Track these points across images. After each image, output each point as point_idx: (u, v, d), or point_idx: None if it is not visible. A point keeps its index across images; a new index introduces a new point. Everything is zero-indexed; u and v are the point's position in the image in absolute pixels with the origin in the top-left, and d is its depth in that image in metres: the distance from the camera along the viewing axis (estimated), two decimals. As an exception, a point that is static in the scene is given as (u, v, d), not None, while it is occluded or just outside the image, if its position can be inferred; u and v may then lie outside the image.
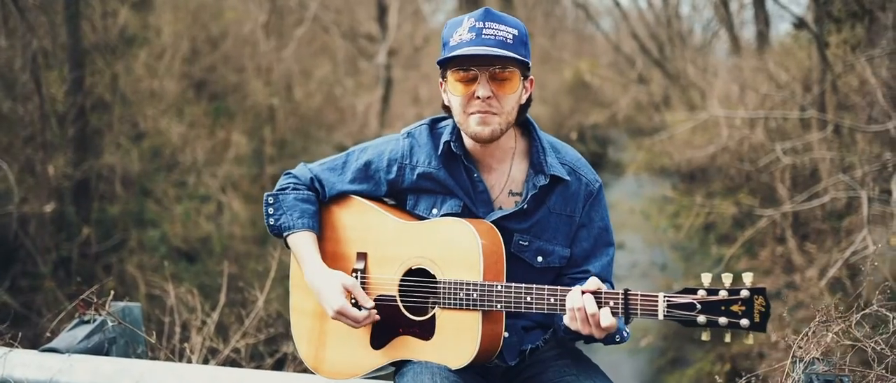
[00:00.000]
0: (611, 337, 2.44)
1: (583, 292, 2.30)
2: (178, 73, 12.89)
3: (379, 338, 2.64)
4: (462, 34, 2.46)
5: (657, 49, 19.71)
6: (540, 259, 2.63)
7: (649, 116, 19.85)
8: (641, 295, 2.27)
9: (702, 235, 12.11)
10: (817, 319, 2.35)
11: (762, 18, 15.97)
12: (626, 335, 2.48)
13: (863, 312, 2.30)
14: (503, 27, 2.48)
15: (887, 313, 2.35)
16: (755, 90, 11.65)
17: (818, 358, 2.32)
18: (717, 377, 2.95)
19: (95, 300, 3.02)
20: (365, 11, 14.56)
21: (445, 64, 2.50)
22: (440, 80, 2.58)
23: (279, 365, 5.21)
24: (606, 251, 2.71)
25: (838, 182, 8.67)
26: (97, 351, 3.02)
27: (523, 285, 2.44)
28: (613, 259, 2.71)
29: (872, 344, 2.29)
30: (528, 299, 2.43)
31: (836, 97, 9.29)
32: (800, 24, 9.30)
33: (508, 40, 2.48)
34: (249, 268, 9.72)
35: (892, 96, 7.56)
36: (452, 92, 2.53)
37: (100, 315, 3.03)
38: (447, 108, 2.63)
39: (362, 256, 2.70)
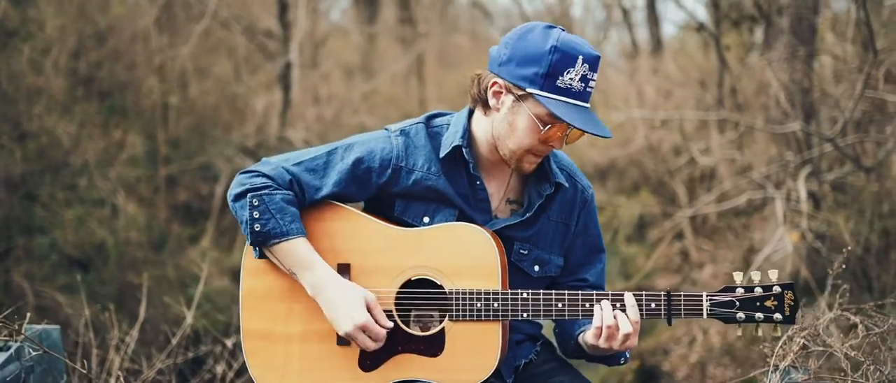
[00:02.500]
0: (616, 358, 2.39)
1: (613, 297, 2.27)
2: (65, 69, 12.20)
3: (371, 359, 2.37)
4: (574, 79, 2.30)
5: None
6: (537, 268, 2.52)
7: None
8: (685, 296, 2.29)
9: (606, 234, 12.31)
10: (793, 328, 2.36)
11: (653, 20, 16.42)
12: (628, 356, 2.43)
13: (829, 316, 2.33)
14: (596, 75, 2.38)
15: (851, 316, 2.39)
16: (657, 92, 11.92)
17: (794, 366, 2.35)
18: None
19: (10, 324, 2.70)
20: (264, 8, 14.17)
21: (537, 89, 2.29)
22: (501, 80, 2.35)
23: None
24: (600, 258, 2.64)
25: (743, 181, 8.93)
26: (14, 382, 2.70)
27: (553, 291, 2.33)
28: (605, 265, 2.63)
29: (845, 350, 2.32)
30: (560, 306, 2.33)
31: (734, 99, 9.58)
32: (700, 27, 9.56)
33: (593, 88, 2.38)
34: (148, 275, 9.26)
35: (790, 98, 7.83)
36: (526, 125, 2.33)
37: (15, 341, 2.70)
38: (484, 103, 2.42)
39: (345, 268, 2.43)
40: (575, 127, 2.27)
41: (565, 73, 2.28)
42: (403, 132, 2.52)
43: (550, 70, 2.28)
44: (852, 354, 2.28)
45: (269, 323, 2.45)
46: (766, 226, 8.48)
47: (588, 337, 2.33)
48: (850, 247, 2.87)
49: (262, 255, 2.44)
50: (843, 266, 2.69)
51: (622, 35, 18.24)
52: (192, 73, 13.97)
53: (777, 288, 2.25)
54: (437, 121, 2.56)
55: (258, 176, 2.45)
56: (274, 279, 2.42)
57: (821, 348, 2.33)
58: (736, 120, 9.20)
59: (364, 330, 2.33)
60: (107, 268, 9.23)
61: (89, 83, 13.17)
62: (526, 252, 2.50)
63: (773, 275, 2.25)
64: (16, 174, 10.23)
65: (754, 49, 9.43)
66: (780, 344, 2.41)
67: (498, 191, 2.53)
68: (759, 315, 2.25)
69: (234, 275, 10.29)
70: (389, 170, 2.47)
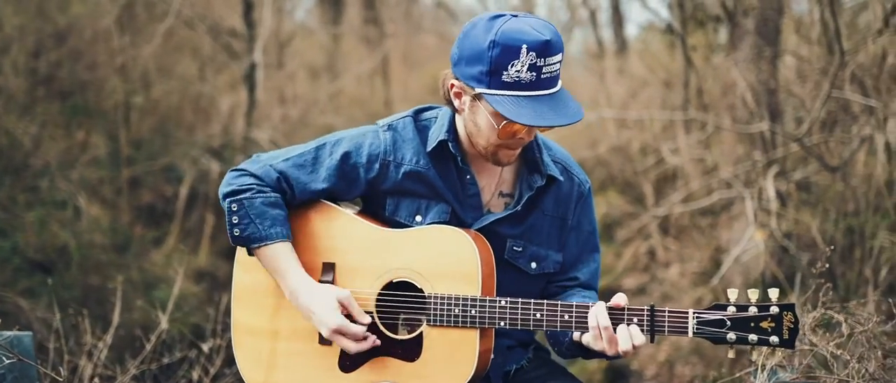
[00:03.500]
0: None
1: (613, 315, 2.18)
2: (25, 68, 11.95)
3: (351, 360, 2.34)
4: (521, 71, 2.18)
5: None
6: (534, 265, 2.47)
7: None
8: (669, 312, 2.18)
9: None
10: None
11: (618, 21, 16.54)
12: None
13: (813, 315, 2.33)
14: (555, 57, 2.24)
15: (835, 315, 2.38)
16: (624, 92, 12.00)
17: (781, 366, 2.33)
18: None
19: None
20: (228, 7, 14.01)
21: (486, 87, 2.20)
22: (457, 81, 2.28)
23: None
24: (594, 257, 2.58)
25: (711, 181, 9.01)
26: (-16, 391, 2.63)
27: (531, 301, 2.26)
28: (600, 265, 2.58)
29: (830, 348, 2.31)
30: (538, 316, 2.26)
31: (700, 99, 9.66)
32: (668, 28, 9.63)
33: (557, 72, 2.25)
34: (112, 277, 9.10)
35: (756, 98, 7.91)
36: (486, 124, 2.26)
37: (-15, 348, 2.62)
38: (451, 104, 2.36)
39: (329, 267, 2.40)
40: (521, 123, 2.18)
41: (510, 67, 2.19)
42: (391, 127, 2.48)
43: (493, 66, 2.20)
44: (838, 353, 2.28)
45: (258, 318, 2.44)
46: (733, 226, 8.57)
47: (587, 337, 2.28)
48: (832, 248, 2.82)
49: (251, 253, 2.41)
50: (826, 265, 2.67)
51: (587, 35, 18.34)
52: (156, 73, 13.77)
53: (775, 309, 2.09)
54: (426, 114, 2.52)
55: (245, 175, 2.43)
56: (264, 275, 2.41)
57: (807, 347, 2.32)
58: (703, 120, 9.28)
59: (340, 332, 2.28)
60: (70, 272, 9.05)
61: (50, 83, 12.92)
62: (520, 249, 2.45)
63: (774, 294, 2.12)
64: (-26, 176, 10.00)
65: (719, 49, 9.52)
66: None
67: (489, 184, 2.48)
68: (753, 336, 2.10)
69: (200, 278, 10.15)
70: (377, 165, 2.44)
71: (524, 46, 2.18)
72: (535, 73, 2.19)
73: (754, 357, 2.13)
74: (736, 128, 8.34)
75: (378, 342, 2.34)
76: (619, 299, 2.25)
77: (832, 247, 2.89)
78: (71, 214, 10.03)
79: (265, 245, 2.37)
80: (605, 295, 8.35)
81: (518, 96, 2.19)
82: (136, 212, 11.45)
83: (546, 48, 2.19)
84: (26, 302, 7.73)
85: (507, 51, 2.19)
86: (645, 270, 10.37)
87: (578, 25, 20.36)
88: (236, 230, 2.38)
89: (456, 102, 2.37)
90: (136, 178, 11.52)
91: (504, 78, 2.19)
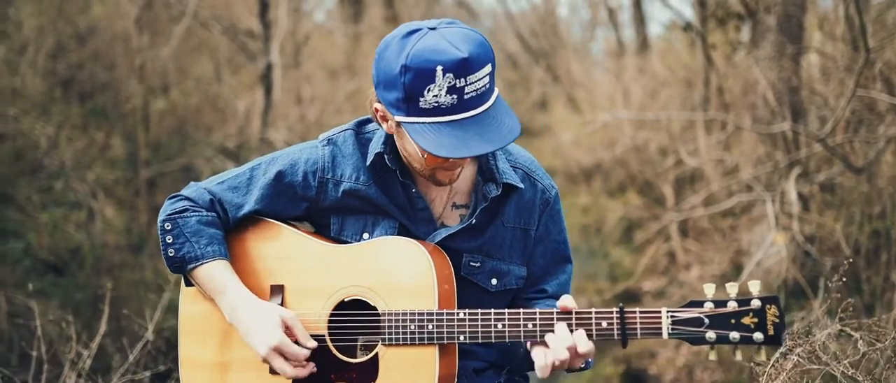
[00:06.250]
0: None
1: (558, 317, 2.00)
2: (43, 69, 11.98)
3: None
4: (439, 95, 1.95)
5: (541, 50, 19.89)
6: (494, 281, 2.28)
7: (532, 116, 20.02)
8: (640, 313, 1.98)
9: (592, 236, 12.19)
10: (787, 344, 2.17)
11: (639, 20, 16.34)
12: (590, 361, 2.23)
13: (827, 332, 2.15)
14: (479, 73, 1.98)
15: (852, 333, 2.20)
16: (643, 92, 11.81)
17: (794, 383, 2.15)
18: None
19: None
20: (245, 7, 13.99)
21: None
22: (379, 105, 2.08)
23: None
24: (564, 268, 2.37)
25: (731, 182, 8.81)
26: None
27: (492, 311, 2.07)
28: (571, 276, 2.36)
29: (842, 368, 2.14)
30: (500, 327, 2.06)
31: (721, 98, 9.46)
32: (687, 26, 9.43)
33: (486, 86, 2.00)
34: (125, 278, 9.07)
35: (778, 97, 7.71)
36: (414, 150, 2.07)
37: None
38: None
39: (278, 290, 2.25)
40: (440, 156, 1.96)
41: (426, 92, 1.96)
42: (331, 141, 2.32)
43: (407, 93, 1.98)
44: (850, 372, 2.10)
45: (206, 350, 2.28)
46: (754, 228, 8.36)
47: (536, 357, 2.05)
48: (849, 262, 2.62)
49: (190, 283, 2.27)
50: (843, 279, 2.48)
51: (609, 34, 18.15)
52: (174, 74, 13.78)
53: (757, 303, 1.89)
54: (369, 126, 2.34)
55: (180, 199, 2.32)
56: (211, 304, 2.26)
57: (817, 366, 2.15)
58: (723, 119, 9.07)
59: (279, 351, 2.12)
60: (82, 273, 9.01)
61: (69, 84, 12.95)
62: (477, 264, 2.27)
63: (755, 286, 1.92)
64: (-9, 177, 10.01)
65: (741, 47, 9.30)
66: (772, 362, 2.21)
67: (440, 196, 2.30)
68: (735, 334, 1.90)
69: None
70: (315, 183, 2.28)
71: (439, 68, 1.95)
72: (455, 96, 1.96)
73: (738, 357, 1.92)
74: (756, 129, 8.13)
75: (315, 370, 2.17)
76: (567, 302, 2.04)
77: (850, 261, 2.68)
78: (85, 215, 10.01)
79: (202, 264, 2.23)
80: (625, 299, 8.11)
81: (439, 123, 1.97)
82: (153, 213, 11.42)
83: (465, 66, 1.96)
84: (37, 303, 7.68)
85: (420, 75, 1.96)
86: (664, 273, 10.17)
87: (600, 25, 20.18)
88: (171, 250, 2.25)
89: (383, 125, 2.19)
90: (152, 180, 11.51)
91: (421, 104, 1.97)
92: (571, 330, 2.02)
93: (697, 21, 9.86)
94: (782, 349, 2.22)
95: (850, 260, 2.77)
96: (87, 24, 13.76)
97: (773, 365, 2.19)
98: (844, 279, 2.46)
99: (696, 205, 9.54)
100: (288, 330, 2.16)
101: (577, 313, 2.02)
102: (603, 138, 12.74)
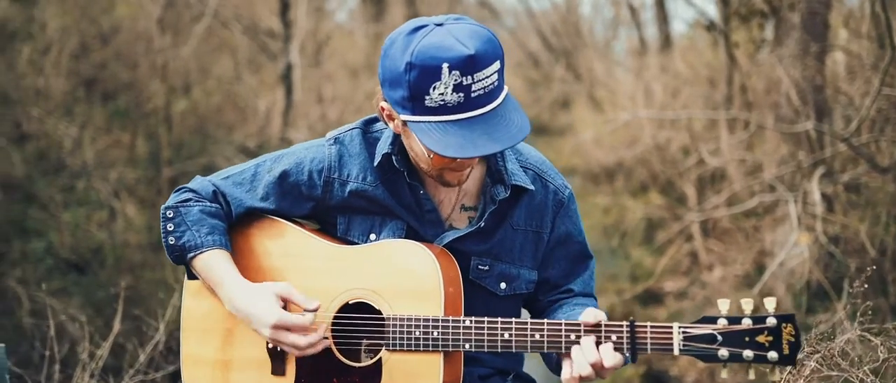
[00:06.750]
0: None
1: (585, 331, 1.94)
2: (66, 70, 12.08)
3: None
4: (445, 93, 1.90)
5: (563, 49, 19.82)
6: (503, 285, 2.22)
7: (554, 115, 19.94)
8: (651, 328, 1.92)
9: (613, 236, 12.09)
10: (804, 351, 2.11)
11: (662, 18, 16.21)
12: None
13: (845, 337, 2.08)
14: (486, 70, 1.93)
15: (872, 338, 2.13)
16: (665, 90, 11.71)
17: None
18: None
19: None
20: (266, 7, 14.03)
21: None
22: (386, 104, 2.04)
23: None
24: (587, 265, 2.31)
25: (754, 183, 8.71)
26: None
27: (499, 320, 2.01)
28: (593, 271, 2.29)
29: (860, 375, 2.07)
30: (506, 336, 2.01)
31: (743, 97, 9.36)
32: (710, 25, 9.32)
33: (495, 84, 1.94)
34: (146, 277, 9.11)
35: (801, 96, 7.60)
36: (420, 150, 2.02)
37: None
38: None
39: None
40: (446, 156, 1.91)
41: (432, 90, 1.90)
42: (338, 140, 2.27)
43: (412, 92, 1.93)
44: (870, 379, 2.04)
45: (208, 348, 2.25)
46: (778, 228, 8.26)
47: (564, 368, 1.98)
48: (872, 269, 2.53)
49: (192, 276, 2.24)
50: (865, 285, 2.41)
51: (631, 33, 18.04)
52: (195, 73, 13.85)
53: (772, 321, 1.81)
54: (377, 125, 2.28)
55: (184, 191, 2.29)
56: (214, 302, 2.23)
57: (836, 372, 2.09)
58: (746, 119, 8.97)
59: (282, 327, 2.07)
60: (104, 272, 9.06)
61: (92, 84, 13.05)
62: (486, 268, 2.21)
63: (771, 303, 1.84)
64: (14, 177, 10.10)
65: (764, 46, 9.19)
66: (788, 368, 2.15)
67: (448, 197, 2.24)
68: (748, 353, 1.84)
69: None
70: (321, 183, 2.24)
71: (445, 65, 1.89)
72: (462, 94, 1.90)
73: (751, 376, 1.85)
74: (780, 128, 8.02)
75: (329, 335, 2.12)
76: (589, 316, 1.96)
77: (872, 269, 2.60)
78: (106, 215, 10.08)
79: (201, 252, 2.19)
80: (646, 299, 8.00)
81: (445, 122, 1.92)
82: (175, 213, 11.49)
83: (471, 64, 1.90)
84: (58, 302, 7.73)
85: (425, 72, 1.91)
86: (686, 273, 10.07)
87: (622, 23, 20.06)
88: (171, 238, 2.21)
89: (390, 125, 2.14)
90: (174, 178, 11.58)
91: (427, 103, 1.92)
92: (599, 344, 1.96)
93: (720, 19, 9.75)
94: (799, 355, 2.16)
95: (873, 268, 2.69)
96: (110, 24, 13.86)
97: (790, 372, 2.13)
98: (866, 285, 2.39)
99: (718, 204, 9.44)
100: (286, 304, 2.12)
101: (585, 327, 1.97)
102: (624, 137, 12.63)
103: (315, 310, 2.11)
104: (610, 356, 1.94)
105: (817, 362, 2.07)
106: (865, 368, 2.05)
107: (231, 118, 13.86)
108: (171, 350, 4.22)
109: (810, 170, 7.40)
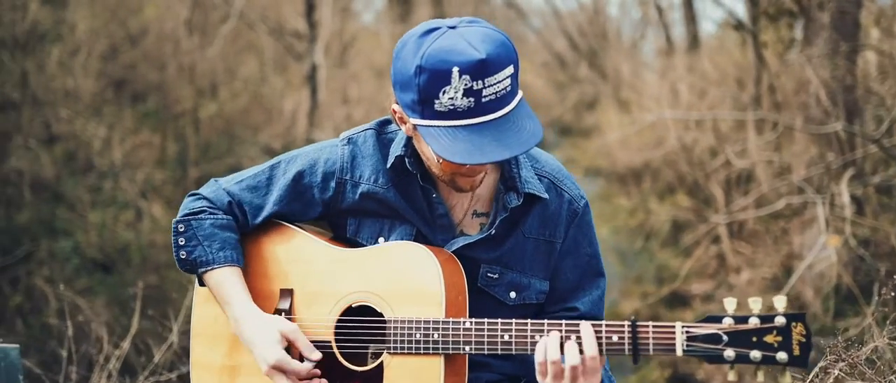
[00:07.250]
0: None
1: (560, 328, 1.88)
2: (95, 71, 12.20)
3: None
4: (454, 97, 1.85)
5: (589, 49, 19.69)
6: (513, 295, 2.15)
7: (580, 116, 19.82)
8: (654, 328, 1.83)
9: (639, 238, 11.99)
10: (828, 358, 2.04)
11: (690, 18, 16.06)
12: (612, 380, 2.11)
13: (873, 346, 2.01)
14: (498, 75, 1.87)
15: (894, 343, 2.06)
16: (692, 91, 11.58)
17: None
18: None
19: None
20: (292, 8, 14.08)
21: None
22: (397, 106, 1.99)
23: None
24: (597, 283, 2.22)
25: (782, 184, 8.58)
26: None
27: (498, 320, 1.96)
28: (604, 292, 2.20)
29: (886, 384, 2.01)
30: (507, 338, 1.96)
31: (772, 98, 9.23)
32: (738, 25, 9.21)
33: (507, 89, 1.89)
34: (171, 277, 9.17)
35: (831, 96, 7.48)
36: (432, 154, 1.97)
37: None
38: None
39: (287, 293, 2.18)
40: (454, 162, 1.87)
41: (441, 95, 1.86)
42: (351, 140, 2.21)
43: (422, 95, 1.88)
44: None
45: (216, 353, 2.23)
46: (806, 230, 8.13)
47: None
48: None
49: (201, 280, 2.23)
50: (893, 293, 2.32)
51: (659, 33, 17.89)
52: (222, 74, 13.93)
53: (781, 320, 1.71)
54: (391, 127, 2.22)
55: (199, 198, 2.24)
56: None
57: (860, 381, 2.02)
58: (774, 119, 8.84)
59: (279, 369, 2.06)
60: (129, 271, 9.14)
61: (120, 86, 13.17)
62: (495, 275, 2.14)
63: (780, 302, 1.73)
64: (43, 177, 10.22)
65: (794, 45, 9.06)
66: (810, 377, 2.08)
67: (461, 202, 2.18)
68: (756, 353, 1.72)
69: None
70: (333, 184, 2.19)
71: (455, 69, 1.85)
72: (472, 99, 1.85)
73: (760, 378, 1.76)
74: (808, 129, 7.89)
75: (318, 374, 2.08)
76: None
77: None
78: (133, 215, 10.17)
79: (212, 269, 2.15)
80: (672, 302, 7.90)
81: (454, 127, 1.87)
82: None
83: (482, 68, 1.85)
84: (85, 301, 7.80)
85: (435, 76, 1.86)
86: (713, 276, 9.96)
87: (650, 24, 19.91)
88: (182, 252, 2.18)
89: (402, 128, 2.08)
90: (201, 179, 11.66)
91: (437, 107, 1.87)
92: (562, 343, 1.88)
93: (749, 18, 9.63)
94: (822, 363, 2.08)
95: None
96: (138, 26, 13.99)
97: (812, 379, 2.07)
98: (891, 295, 2.31)
99: (745, 206, 9.32)
100: (290, 345, 2.10)
101: (591, 322, 1.90)
102: (650, 138, 12.52)
103: (315, 361, 2.08)
104: (573, 356, 1.87)
105: (842, 371, 2.01)
106: (891, 378, 1.99)
107: (257, 119, 13.93)
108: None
109: (840, 171, 7.27)
